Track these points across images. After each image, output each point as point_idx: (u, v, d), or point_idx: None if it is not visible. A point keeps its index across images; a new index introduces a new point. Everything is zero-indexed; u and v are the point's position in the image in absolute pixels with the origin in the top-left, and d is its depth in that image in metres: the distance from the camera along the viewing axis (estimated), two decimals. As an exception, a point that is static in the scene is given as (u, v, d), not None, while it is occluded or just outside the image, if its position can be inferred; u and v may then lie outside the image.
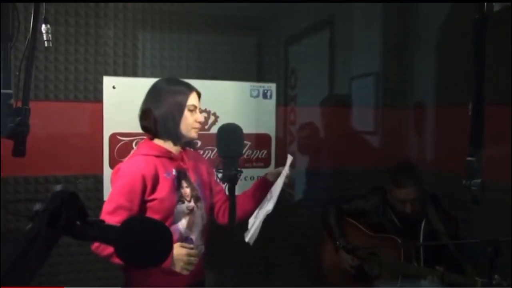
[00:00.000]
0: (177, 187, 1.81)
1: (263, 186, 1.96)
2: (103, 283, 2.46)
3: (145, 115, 1.85)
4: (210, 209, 1.96)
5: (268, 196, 1.85)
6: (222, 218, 1.98)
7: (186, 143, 1.92)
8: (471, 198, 1.27)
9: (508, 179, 2.05)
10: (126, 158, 1.88)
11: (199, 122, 1.86)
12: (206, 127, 2.57)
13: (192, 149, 1.99)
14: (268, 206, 1.77)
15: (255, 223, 1.75)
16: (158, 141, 1.86)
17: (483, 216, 2.10)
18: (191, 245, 1.79)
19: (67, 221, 0.70)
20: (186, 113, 1.82)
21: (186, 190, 1.84)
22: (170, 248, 0.77)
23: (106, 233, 0.75)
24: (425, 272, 2.16)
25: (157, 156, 1.81)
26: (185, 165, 1.89)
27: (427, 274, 2.13)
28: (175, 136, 1.84)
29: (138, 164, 1.77)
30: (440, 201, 2.38)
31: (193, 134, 1.86)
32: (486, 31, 1.30)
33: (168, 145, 1.86)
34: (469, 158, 1.28)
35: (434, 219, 2.29)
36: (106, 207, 1.73)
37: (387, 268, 2.34)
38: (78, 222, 0.73)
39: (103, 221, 0.75)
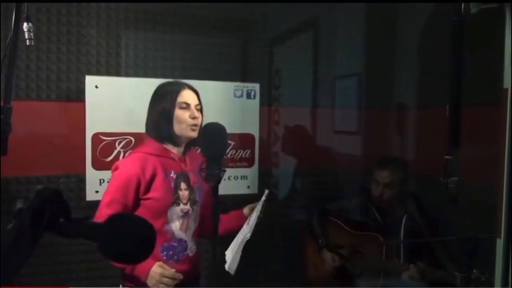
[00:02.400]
0: (175, 189, 1.82)
1: (239, 218, 1.99)
2: (106, 282, 2.45)
3: (147, 122, 1.88)
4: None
5: (245, 226, 1.89)
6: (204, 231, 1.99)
7: (190, 143, 1.90)
8: (449, 199, 1.30)
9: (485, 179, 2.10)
10: (129, 153, 1.88)
11: (194, 118, 1.82)
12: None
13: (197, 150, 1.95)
14: (247, 234, 1.83)
15: (233, 253, 1.82)
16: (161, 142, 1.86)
17: (462, 214, 2.15)
18: (172, 269, 1.76)
19: (50, 218, 0.71)
20: (178, 111, 1.80)
21: (185, 193, 1.85)
22: (152, 246, 0.78)
23: (89, 230, 0.76)
24: (406, 268, 2.20)
25: (158, 156, 1.82)
26: (187, 167, 1.88)
27: (408, 270, 2.18)
28: (169, 137, 1.82)
29: (136, 161, 1.79)
30: (421, 199, 2.44)
31: (190, 133, 1.82)
32: (464, 33, 1.34)
33: (171, 146, 1.85)
34: (446, 157, 1.32)
35: (414, 216, 2.34)
36: (103, 199, 1.77)
37: (369, 265, 2.37)
38: (61, 220, 0.73)
39: (86, 218, 0.75)
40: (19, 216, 0.70)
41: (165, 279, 1.74)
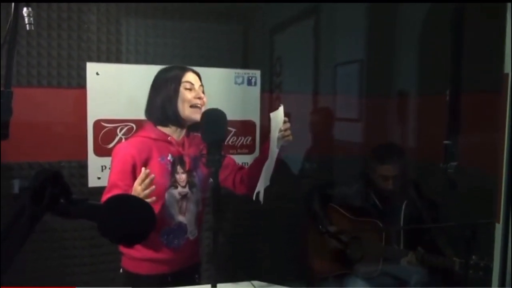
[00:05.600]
0: (171, 172, 1.82)
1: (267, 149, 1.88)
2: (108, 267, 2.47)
3: (147, 106, 1.87)
4: (205, 195, 1.94)
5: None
6: (239, 188, 1.95)
7: (190, 128, 1.90)
8: (448, 183, 1.31)
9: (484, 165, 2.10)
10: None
11: (199, 98, 1.82)
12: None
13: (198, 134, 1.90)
14: (268, 160, 1.77)
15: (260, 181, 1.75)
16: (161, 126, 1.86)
17: (461, 200, 2.15)
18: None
19: (51, 198, 0.72)
20: (183, 91, 1.81)
21: (182, 176, 1.85)
22: (152, 226, 0.79)
23: (89, 211, 0.76)
24: (405, 254, 2.22)
25: (154, 139, 1.82)
26: (184, 151, 1.88)
27: (407, 256, 2.20)
28: (172, 118, 1.82)
29: (131, 145, 1.81)
30: (420, 186, 2.44)
31: (194, 115, 1.80)
32: (463, 21, 1.34)
33: (170, 130, 1.85)
34: (446, 142, 1.32)
35: (414, 202, 2.35)
36: (108, 182, 1.78)
37: (369, 251, 2.39)
38: (62, 200, 0.74)
39: (87, 199, 0.76)
40: (19, 197, 0.71)
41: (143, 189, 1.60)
